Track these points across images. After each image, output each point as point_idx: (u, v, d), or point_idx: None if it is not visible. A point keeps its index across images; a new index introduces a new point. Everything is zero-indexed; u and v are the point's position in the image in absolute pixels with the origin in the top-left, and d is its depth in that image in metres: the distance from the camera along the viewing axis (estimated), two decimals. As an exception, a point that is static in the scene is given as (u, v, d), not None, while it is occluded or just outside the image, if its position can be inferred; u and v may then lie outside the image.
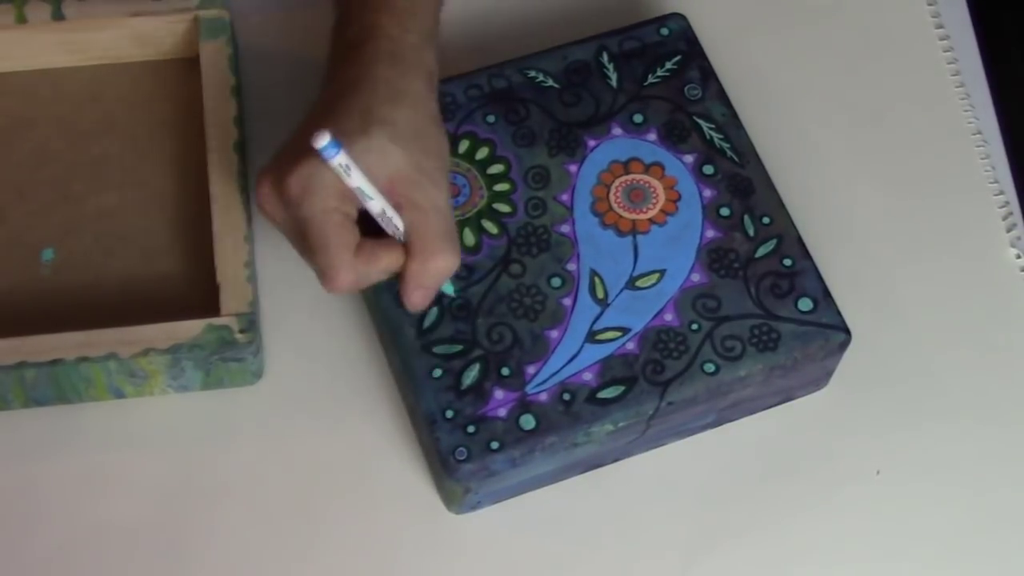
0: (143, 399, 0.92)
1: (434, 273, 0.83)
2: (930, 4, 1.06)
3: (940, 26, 1.05)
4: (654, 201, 0.92)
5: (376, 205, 0.81)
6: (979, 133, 1.01)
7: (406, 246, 0.83)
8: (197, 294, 0.92)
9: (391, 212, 0.82)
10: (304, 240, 0.82)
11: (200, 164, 0.94)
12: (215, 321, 0.89)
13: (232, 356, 0.89)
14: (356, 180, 0.80)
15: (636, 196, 0.92)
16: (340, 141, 0.79)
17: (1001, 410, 0.94)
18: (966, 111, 1.02)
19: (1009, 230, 0.99)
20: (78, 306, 0.92)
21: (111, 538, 0.88)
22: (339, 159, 0.79)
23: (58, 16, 0.96)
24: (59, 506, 0.89)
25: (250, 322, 0.89)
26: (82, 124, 0.98)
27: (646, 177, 0.92)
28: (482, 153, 0.93)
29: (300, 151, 0.81)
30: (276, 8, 1.02)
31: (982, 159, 1.01)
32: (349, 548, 0.89)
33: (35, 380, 0.88)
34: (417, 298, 0.84)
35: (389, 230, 0.83)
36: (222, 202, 0.92)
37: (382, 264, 0.83)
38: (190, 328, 0.88)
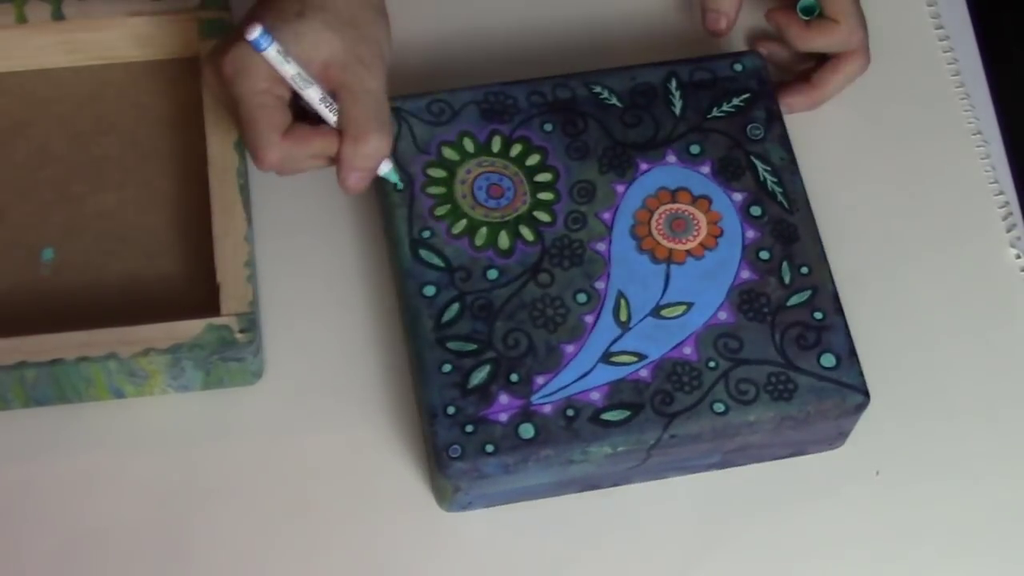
0: (143, 399, 0.91)
1: (366, 154, 0.85)
2: (930, 4, 1.05)
3: (940, 26, 1.05)
4: (695, 233, 0.91)
5: (313, 93, 0.84)
6: (979, 133, 1.01)
7: (339, 131, 0.85)
8: (197, 294, 0.92)
9: (327, 100, 0.85)
10: (236, 118, 0.85)
11: (200, 164, 0.94)
12: (215, 321, 0.89)
13: (232, 356, 0.89)
14: (291, 69, 0.83)
15: (678, 226, 0.91)
16: (272, 31, 0.82)
17: (1001, 410, 0.94)
18: (966, 111, 1.02)
19: (1009, 230, 0.99)
20: (78, 306, 0.92)
21: (111, 538, 0.88)
22: (272, 49, 0.82)
23: (58, 16, 0.96)
24: (59, 506, 0.89)
25: (250, 322, 0.89)
26: (82, 124, 0.98)
27: (691, 208, 0.92)
28: (533, 159, 0.93)
29: (238, 34, 0.84)
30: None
31: (982, 159, 1.01)
32: (347, 548, 0.89)
33: (35, 380, 0.88)
34: (352, 181, 0.86)
35: (328, 119, 0.85)
36: (222, 202, 0.92)
37: (314, 146, 0.85)
38: (190, 328, 0.88)
